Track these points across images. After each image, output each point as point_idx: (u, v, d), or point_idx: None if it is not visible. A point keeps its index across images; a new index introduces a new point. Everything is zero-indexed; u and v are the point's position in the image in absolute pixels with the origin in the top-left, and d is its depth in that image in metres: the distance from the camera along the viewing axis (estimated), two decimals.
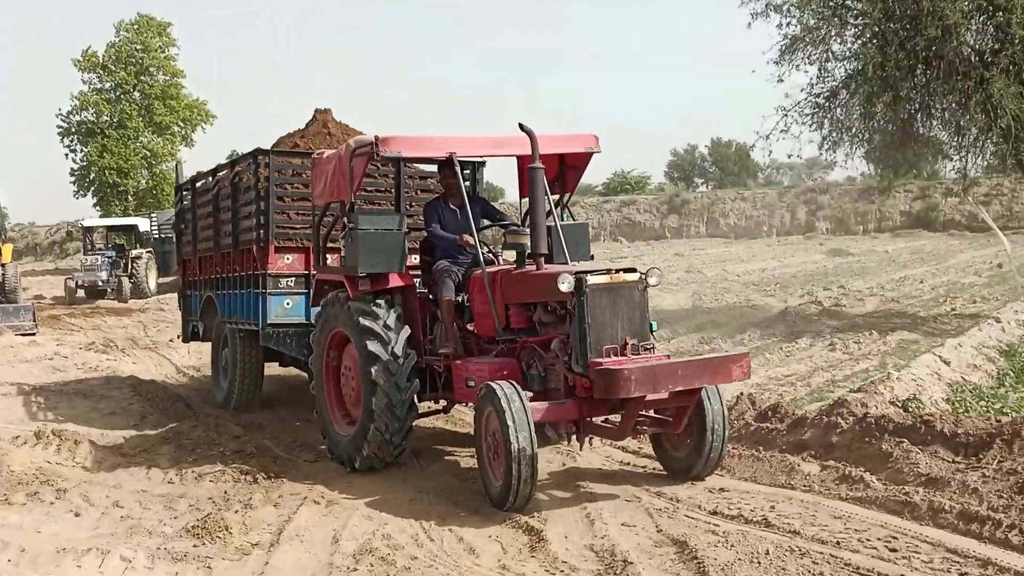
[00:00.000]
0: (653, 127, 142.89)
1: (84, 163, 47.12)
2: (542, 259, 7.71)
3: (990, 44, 14.53)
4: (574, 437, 7.59)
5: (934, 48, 14.27)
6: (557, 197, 8.99)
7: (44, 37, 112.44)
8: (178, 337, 14.82)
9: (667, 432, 7.56)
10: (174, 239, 14.83)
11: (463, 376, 7.92)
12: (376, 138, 8.00)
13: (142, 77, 46.94)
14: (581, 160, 8.94)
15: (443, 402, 9.09)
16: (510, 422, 6.65)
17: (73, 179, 47.90)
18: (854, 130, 16.16)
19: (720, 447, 7.40)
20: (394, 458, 8.23)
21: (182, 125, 47.88)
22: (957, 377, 9.42)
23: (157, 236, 32.24)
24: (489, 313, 7.90)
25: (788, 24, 15.85)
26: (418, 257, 9.27)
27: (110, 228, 32.08)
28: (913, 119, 15.73)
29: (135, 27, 47.04)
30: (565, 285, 7.05)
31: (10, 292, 23.46)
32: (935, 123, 15.73)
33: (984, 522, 5.71)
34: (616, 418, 7.41)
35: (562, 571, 5.65)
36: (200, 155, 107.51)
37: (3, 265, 24.08)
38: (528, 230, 7.86)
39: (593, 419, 7.41)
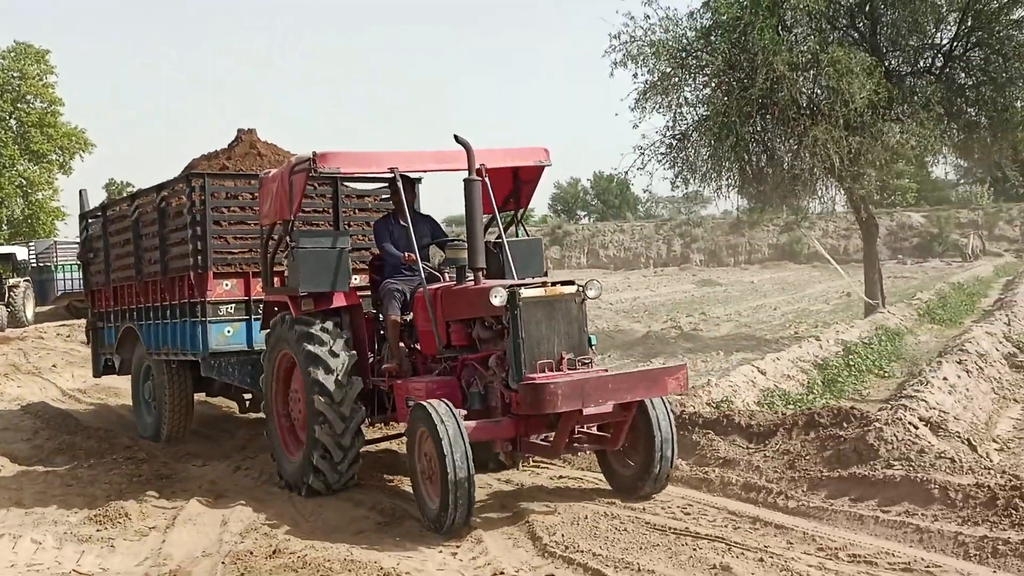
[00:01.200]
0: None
1: None
2: (480, 273, 7.65)
3: (812, 94, 16.44)
4: (506, 456, 7.53)
5: (768, 97, 16.06)
6: (512, 213, 8.98)
7: None
8: (54, 367, 15.26)
9: (607, 449, 7.37)
10: (80, 268, 14.59)
11: (403, 396, 7.79)
12: (314, 154, 7.90)
13: (19, 105, 46.51)
14: (534, 174, 8.90)
15: (397, 426, 8.97)
16: (445, 444, 6.49)
17: None
18: (704, 169, 17.87)
19: (669, 464, 7.21)
20: (341, 486, 8.05)
21: (60, 153, 47.51)
22: (771, 384, 10.92)
23: (35, 265, 32.22)
24: (431, 331, 7.76)
25: (643, 73, 17.49)
26: (366, 278, 9.24)
27: None
28: (752, 160, 17.54)
29: (12, 54, 46.63)
30: (497, 299, 6.93)
31: None
32: (773, 164, 17.54)
33: (760, 491, 7.12)
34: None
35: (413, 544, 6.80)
36: (75, 184, 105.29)
37: None
38: (465, 244, 7.85)
39: (530, 437, 7.19)
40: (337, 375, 7.83)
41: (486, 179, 8.05)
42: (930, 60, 17.57)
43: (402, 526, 7.08)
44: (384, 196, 10.59)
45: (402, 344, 8.22)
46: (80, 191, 13.39)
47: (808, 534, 6.16)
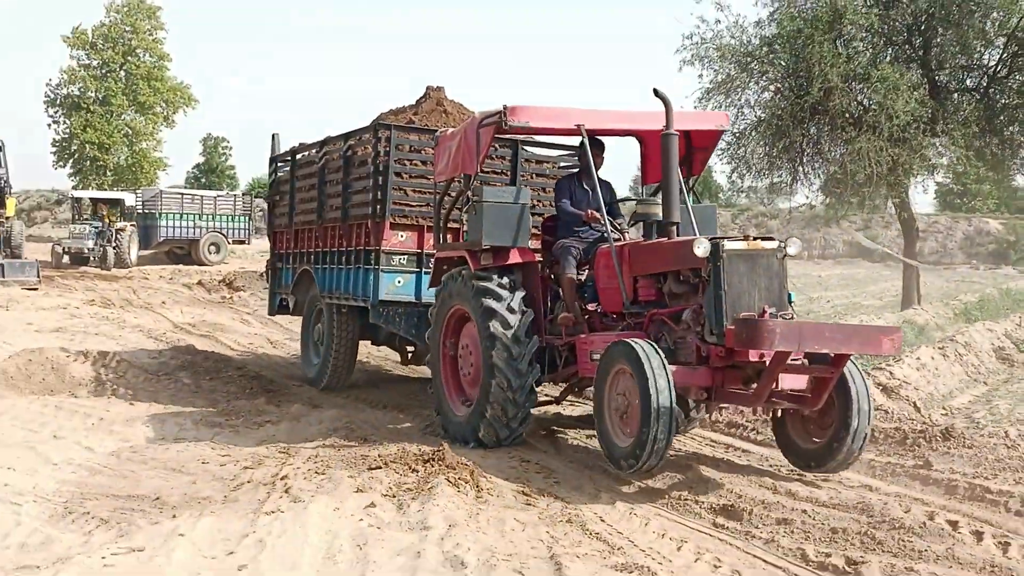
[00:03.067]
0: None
1: (67, 135, 49.76)
2: (674, 228, 7.72)
3: (861, 106, 18.13)
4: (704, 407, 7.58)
5: (821, 105, 17.81)
6: (684, 179, 8.82)
7: (28, 10, 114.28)
8: (164, 303, 17.19)
9: (806, 409, 7.18)
10: (265, 209, 14.80)
11: (588, 351, 7.83)
12: (505, 107, 8.01)
13: (129, 57, 49.68)
14: (710, 140, 8.88)
15: (558, 390, 9.25)
16: (650, 378, 6.51)
17: (54, 150, 50.50)
18: (759, 167, 19.69)
19: (864, 439, 7.05)
20: (510, 442, 8.27)
21: (164, 106, 50.67)
22: None
23: (140, 211, 35.14)
24: (615, 288, 7.88)
25: (709, 73, 19.35)
26: (537, 242, 9.26)
27: (98, 200, 34.90)
28: (801, 162, 19.33)
29: (125, 8, 49.80)
30: (701, 250, 6.93)
31: (16, 248, 26.04)
32: (820, 168, 19.32)
33: (739, 427, 9.13)
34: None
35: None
36: (179, 136, 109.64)
37: (7, 219, 26.48)
38: (659, 199, 7.93)
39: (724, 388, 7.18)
40: (515, 331, 7.99)
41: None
42: (976, 80, 19.07)
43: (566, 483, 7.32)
44: (563, 164, 11.06)
45: (577, 303, 8.32)
46: (273, 135, 13.74)
47: (769, 457, 8.15)
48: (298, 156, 12.84)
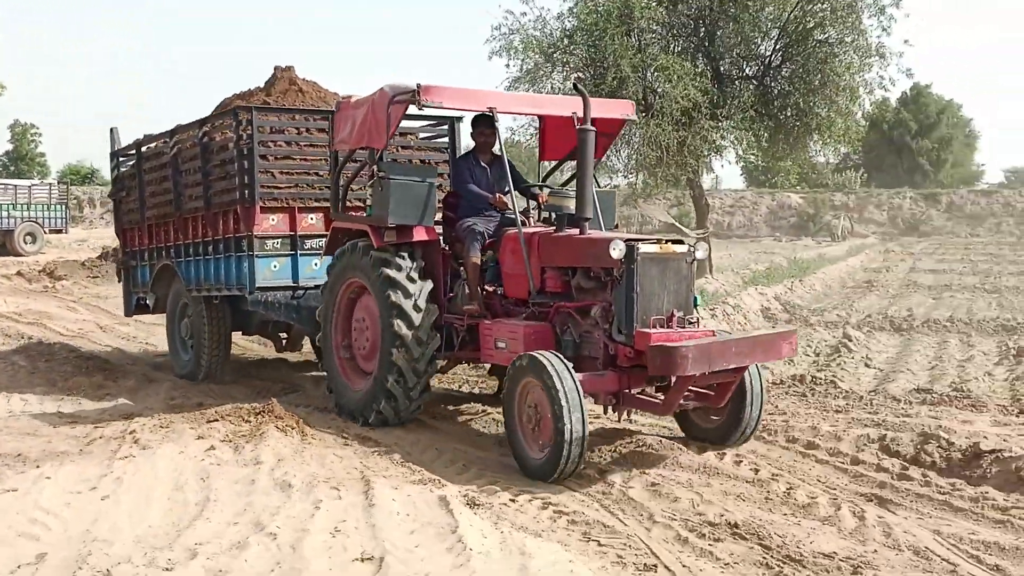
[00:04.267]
0: None
1: None
2: (586, 224, 7.82)
3: (650, 94, 20.05)
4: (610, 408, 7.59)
5: (615, 93, 19.60)
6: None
7: None
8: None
9: (711, 406, 7.62)
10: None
11: (491, 337, 8.03)
12: (418, 86, 8.03)
13: None
14: (614, 127, 9.05)
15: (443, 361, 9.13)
16: (563, 401, 6.65)
17: None
18: None
19: (757, 418, 7.60)
20: (410, 414, 8.48)
21: None
22: None
23: None
24: (520, 275, 8.07)
25: (516, 63, 20.89)
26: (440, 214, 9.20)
27: None
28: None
29: None
30: (616, 252, 7.10)
31: None
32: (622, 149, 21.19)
33: None
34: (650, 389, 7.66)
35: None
36: None
37: None
38: (573, 193, 8.01)
39: (631, 391, 7.46)
40: (415, 300, 8.18)
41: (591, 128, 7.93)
42: (754, 69, 21.30)
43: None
44: (425, 135, 11.34)
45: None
46: (111, 129, 13.33)
47: None
48: (143, 148, 12.56)
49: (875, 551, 5.53)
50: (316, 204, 10.37)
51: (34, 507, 6.04)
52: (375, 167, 8.71)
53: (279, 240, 10.26)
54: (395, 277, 8.21)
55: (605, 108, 8.93)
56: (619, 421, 8.20)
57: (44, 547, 5.35)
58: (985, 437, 7.42)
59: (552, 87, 21.00)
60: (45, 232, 35.04)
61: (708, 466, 7.17)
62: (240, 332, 11.99)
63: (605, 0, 20.13)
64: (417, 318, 8.16)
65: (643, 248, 7.16)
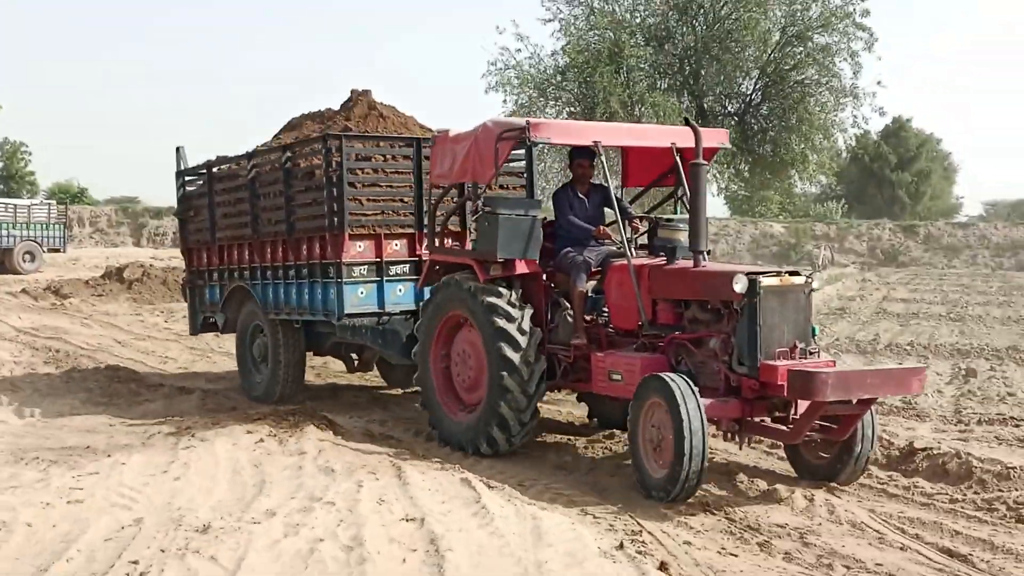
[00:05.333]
0: None
1: None
2: (700, 256, 7.86)
3: None
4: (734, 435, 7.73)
5: None
6: (672, 190, 9.43)
7: None
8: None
9: (834, 439, 7.58)
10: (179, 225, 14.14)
11: (605, 369, 8.16)
12: (528, 123, 8.31)
13: None
14: (708, 155, 8.80)
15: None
16: (684, 418, 6.86)
17: None
18: (552, 182, 22.76)
19: (868, 455, 7.63)
20: (520, 440, 8.57)
21: None
22: None
23: None
24: (629, 307, 8.22)
25: (511, 97, 22.34)
26: None
27: None
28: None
29: None
30: (740, 286, 7.24)
31: None
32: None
33: None
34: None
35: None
36: None
37: None
38: (684, 225, 8.10)
39: (753, 419, 7.59)
40: (519, 323, 8.33)
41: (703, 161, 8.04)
42: (736, 106, 22.81)
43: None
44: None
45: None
46: (177, 148, 13.45)
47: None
48: (215, 169, 12.77)
49: (819, 524, 6.85)
50: (401, 230, 10.56)
51: (118, 485, 7.26)
52: (479, 202, 8.88)
53: (366, 267, 10.39)
54: (498, 304, 8.35)
55: (705, 138, 8.60)
56: (739, 449, 8.47)
57: (137, 514, 6.55)
58: (921, 438, 8.76)
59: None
60: (44, 251, 36.12)
61: None
62: (312, 352, 12.13)
63: (596, 39, 21.61)
64: (523, 340, 8.29)
65: (765, 281, 7.31)
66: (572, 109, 21.88)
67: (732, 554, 6.22)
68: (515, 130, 8.42)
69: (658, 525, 6.74)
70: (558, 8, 22.34)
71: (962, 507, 7.21)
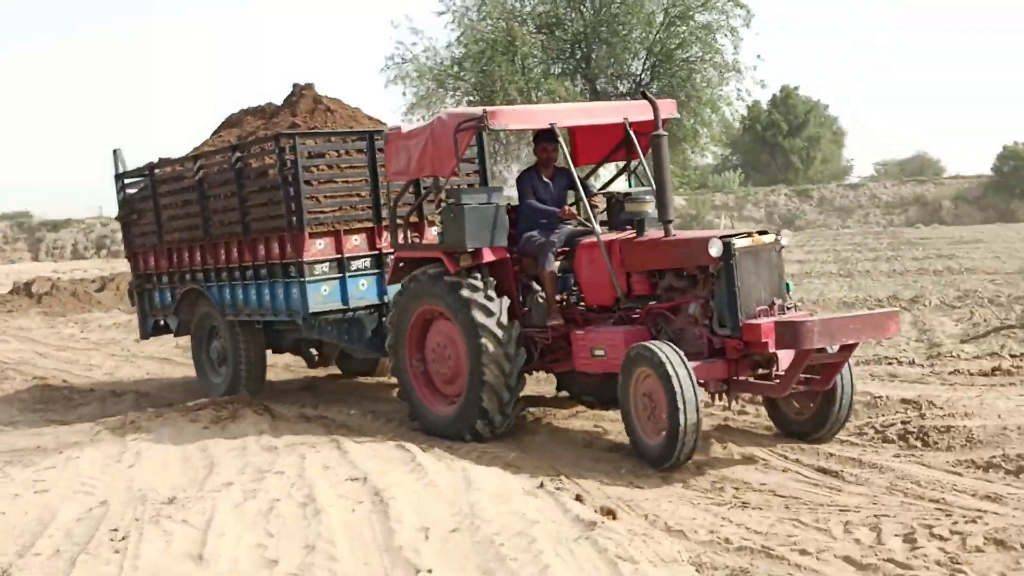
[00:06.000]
0: None
1: None
2: (670, 226, 8.12)
3: None
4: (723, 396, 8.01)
5: None
6: (625, 164, 9.58)
7: None
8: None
9: (817, 389, 7.83)
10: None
11: (586, 346, 8.30)
12: (485, 111, 8.51)
13: None
14: (651, 128, 8.75)
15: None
16: (676, 384, 7.09)
17: None
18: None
19: (848, 409, 7.93)
20: (503, 429, 8.74)
21: None
22: None
23: None
24: (601, 283, 8.43)
25: (411, 90, 23.06)
26: None
27: None
28: (495, 162, 23.43)
29: None
30: (715, 250, 7.49)
31: None
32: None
33: None
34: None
35: None
36: None
37: None
38: (651, 197, 8.29)
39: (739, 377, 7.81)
40: (498, 317, 8.44)
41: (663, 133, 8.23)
42: (627, 86, 23.89)
43: None
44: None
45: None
46: (114, 151, 13.33)
47: None
48: (157, 171, 12.67)
49: (714, 457, 7.86)
50: (359, 225, 10.69)
51: (77, 476, 7.89)
52: (443, 194, 9.09)
53: (327, 264, 10.49)
54: (475, 298, 8.44)
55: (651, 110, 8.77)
56: (728, 407, 8.85)
57: (101, 497, 7.20)
58: None
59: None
60: None
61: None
62: (271, 350, 12.17)
63: (490, 29, 22.45)
64: (503, 335, 8.42)
65: (739, 243, 7.58)
66: (471, 98, 22.68)
67: (638, 487, 7.16)
68: (473, 120, 8.56)
69: (573, 469, 7.65)
70: (451, 1, 23.09)
71: (837, 435, 8.19)
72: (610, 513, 6.21)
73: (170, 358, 15.93)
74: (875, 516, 6.12)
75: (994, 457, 7.21)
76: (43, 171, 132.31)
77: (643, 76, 23.44)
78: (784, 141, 63.83)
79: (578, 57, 23.77)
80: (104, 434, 9.57)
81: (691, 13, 22.61)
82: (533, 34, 22.45)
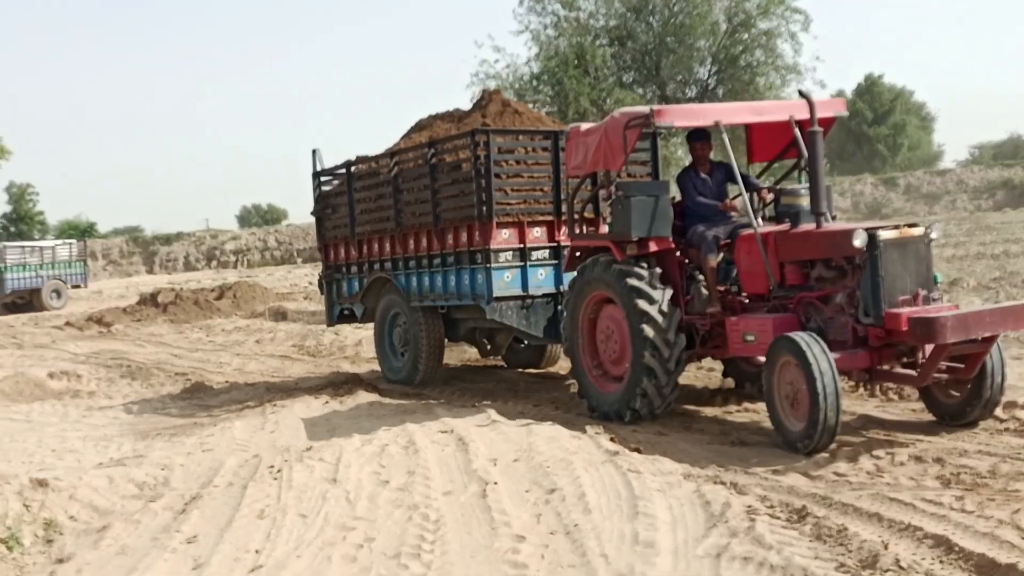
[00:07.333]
0: None
1: None
2: (822, 218, 8.54)
3: None
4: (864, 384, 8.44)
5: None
6: (795, 162, 9.90)
7: None
8: (54, 342, 19.98)
9: (961, 378, 8.09)
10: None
11: (739, 332, 8.82)
12: (651, 110, 9.07)
13: None
14: (826, 124, 9.40)
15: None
16: (817, 373, 7.39)
17: None
18: None
19: (999, 392, 8.08)
20: (662, 410, 9.44)
21: None
22: None
23: None
24: (758, 272, 8.88)
25: None
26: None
27: None
28: None
29: None
30: (859, 241, 7.76)
31: None
32: None
33: None
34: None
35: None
36: None
37: None
38: (804, 191, 8.86)
39: (882, 367, 8.11)
40: (660, 305, 9.08)
41: (817, 129, 8.80)
42: (695, 92, 25.81)
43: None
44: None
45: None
46: (313, 151, 14.75)
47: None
48: (353, 169, 13.97)
49: (733, 413, 9.90)
50: (541, 218, 11.64)
51: (232, 439, 10.27)
52: (613, 187, 9.72)
53: (511, 252, 11.42)
54: (639, 286, 9.12)
55: (820, 108, 9.40)
56: (871, 395, 9.37)
57: (254, 452, 9.54)
58: None
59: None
60: (68, 287, 39.16)
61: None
62: (447, 339, 13.19)
63: (564, 47, 24.63)
64: (664, 321, 9.05)
65: (883, 235, 7.89)
66: (548, 110, 24.87)
67: (663, 434, 9.26)
68: (640, 117, 9.15)
69: (615, 425, 9.74)
70: (528, 20, 25.34)
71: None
72: (636, 450, 8.32)
73: (288, 355, 18.52)
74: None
75: None
76: (152, 186, 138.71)
77: (709, 81, 25.34)
78: (869, 130, 64.59)
79: (648, 67, 25.75)
80: (249, 410, 12.00)
81: (752, 20, 24.42)
82: (604, 46, 24.51)
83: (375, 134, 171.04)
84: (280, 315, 26.33)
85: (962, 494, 6.59)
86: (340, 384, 12.70)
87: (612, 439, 8.57)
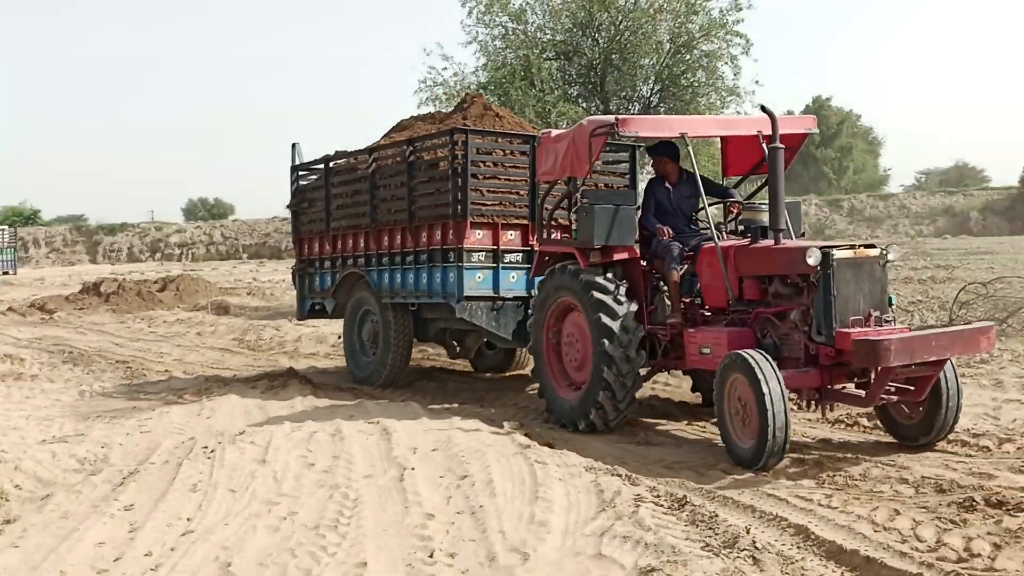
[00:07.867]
0: None
1: None
2: (780, 234, 8.56)
3: None
4: (814, 404, 8.38)
5: None
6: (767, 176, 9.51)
7: None
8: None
9: (911, 400, 8.16)
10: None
11: (695, 344, 8.91)
12: (616, 119, 9.07)
13: None
14: (797, 141, 9.67)
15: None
16: (765, 391, 7.42)
17: None
18: None
19: (954, 416, 8.11)
20: (616, 423, 9.49)
21: None
22: None
23: None
24: (717, 285, 8.96)
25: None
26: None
27: None
28: None
29: None
30: (812, 259, 7.83)
31: None
32: None
33: None
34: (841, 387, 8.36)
35: None
36: None
37: None
38: (765, 207, 8.89)
39: (833, 387, 8.19)
40: (622, 321, 9.11)
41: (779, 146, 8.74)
42: (637, 108, 26.65)
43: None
44: (608, 160, 12.38)
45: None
46: (293, 144, 14.85)
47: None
48: (331, 164, 14.07)
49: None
50: (516, 221, 11.76)
51: (170, 422, 10.85)
52: (579, 195, 9.85)
53: (483, 253, 11.53)
54: (604, 300, 9.20)
55: (790, 124, 9.55)
56: (822, 416, 9.23)
57: (190, 435, 10.14)
58: None
59: None
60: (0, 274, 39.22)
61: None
62: (416, 339, 13.20)
63: (511, 59, 25.35)
64: (625, 338, 9.12)
65: (838, 254, 7.96)
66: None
67: (577, 433, 9.97)
68: (605, 126, 9.22)
69: (535, 423, 10.47)
70: (476, 31, 26.05)
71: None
72: (548, 444, 9.05)
73: (228, 348, 19.08)
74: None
75: None
76: (97, 176, 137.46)
77: (652, 99, 26.16)
78: (816, 151, 66.16)
79: (593, 81, 26.53)
80: (186, 398, 12.60)
81: (694, 43, 25.32)
82: (550, 60, 25.26)
83: (354, 139, 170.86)
84: (223, 309, 26.81)
85: (832, 492, 7.42)
86: (276, 376, 13.34)
87: (527, 435, 9.29)
